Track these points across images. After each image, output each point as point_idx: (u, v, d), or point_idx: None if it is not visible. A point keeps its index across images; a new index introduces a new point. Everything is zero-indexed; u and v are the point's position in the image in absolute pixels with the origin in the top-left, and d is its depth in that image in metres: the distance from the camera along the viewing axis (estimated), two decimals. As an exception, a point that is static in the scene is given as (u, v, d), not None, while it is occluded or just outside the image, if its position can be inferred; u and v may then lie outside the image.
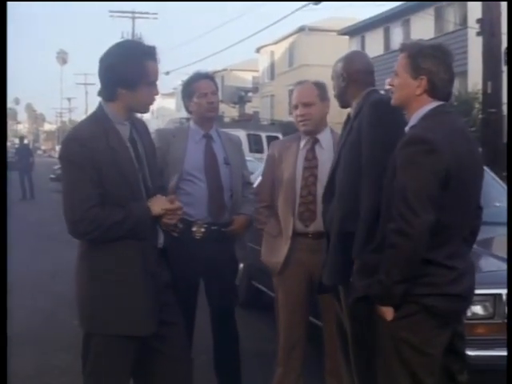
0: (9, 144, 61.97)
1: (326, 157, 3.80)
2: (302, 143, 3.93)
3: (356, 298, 2.93)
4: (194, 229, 3.97)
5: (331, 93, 3.61)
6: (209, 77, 4.18)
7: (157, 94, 3.01)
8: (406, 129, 2.84)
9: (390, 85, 2.90)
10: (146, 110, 3.06)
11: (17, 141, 70.93)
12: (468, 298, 2.84)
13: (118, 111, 2.96)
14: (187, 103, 4.14)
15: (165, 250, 3.14)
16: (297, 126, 3.95)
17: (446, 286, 2.71)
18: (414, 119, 2.82)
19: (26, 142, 27.15)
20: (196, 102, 4.06)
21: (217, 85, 4.21)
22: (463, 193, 2.72)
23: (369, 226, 2.95)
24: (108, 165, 2.85)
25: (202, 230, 3.97)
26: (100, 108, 2.99)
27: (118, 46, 2.97)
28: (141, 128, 3.13)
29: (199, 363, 4.79)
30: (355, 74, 3.37)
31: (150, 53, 2.95)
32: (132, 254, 2.90)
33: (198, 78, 4.14)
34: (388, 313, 2.74)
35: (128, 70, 2.87)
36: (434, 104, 2.80)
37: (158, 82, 2.99)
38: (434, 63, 2.79)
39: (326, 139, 3.89)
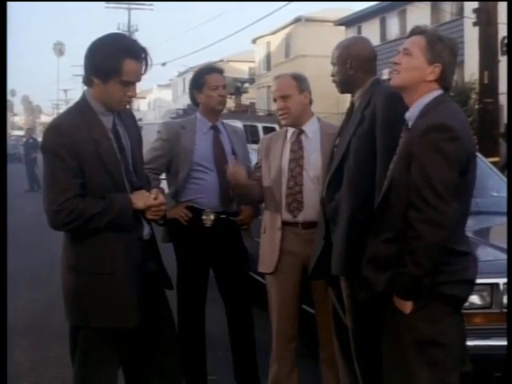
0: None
1: (312, 147, 3.79)
2: (289, 135, 3.90)
3: (376, 292, 2.73)
4: (204, 217, 4.01)
5: (327, 81, 3.55)
6: (219, 70, 4.23)
7: (133, 95, 2.93)
8: (408, 115, 2.76)
9: (396, 63, 2.78)
10: (118, 108, 2.96)
11: (13, 133, 70.78)
12: (475, 284, 2.81)
13: (98, 101, 2.90)
14: (196, 95, 4.16)
15: (152, 241, 3.10)
16: (278, 120, 3.93)
17: (460, 272, 2.68)
18: (418, 105, 2.75)
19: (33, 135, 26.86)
20: (207, 95, 4.10)
21: (225, 78, 4.23)
22: (474, 179, 2.72)
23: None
24: (89, 156, 2.81)
25: (212, 217, 4.01)
26: (83, 98, 2.94)
27: (107, 35, 2.92)
28: (127, 119, 3.09)
29: (216, 359, 4.76)
30: (364, 62, 3.32)
31: (133, 52, 2.84)
32: (116, 246, 2.86)
33: (210, 70, 4.18)
34: (407, 306, 2.65)
35: (101, 60, 2.81)
36: (439, 92, 2.77)
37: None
38: (449, 54, 2.78)
39: (312, 129, 3.84)
